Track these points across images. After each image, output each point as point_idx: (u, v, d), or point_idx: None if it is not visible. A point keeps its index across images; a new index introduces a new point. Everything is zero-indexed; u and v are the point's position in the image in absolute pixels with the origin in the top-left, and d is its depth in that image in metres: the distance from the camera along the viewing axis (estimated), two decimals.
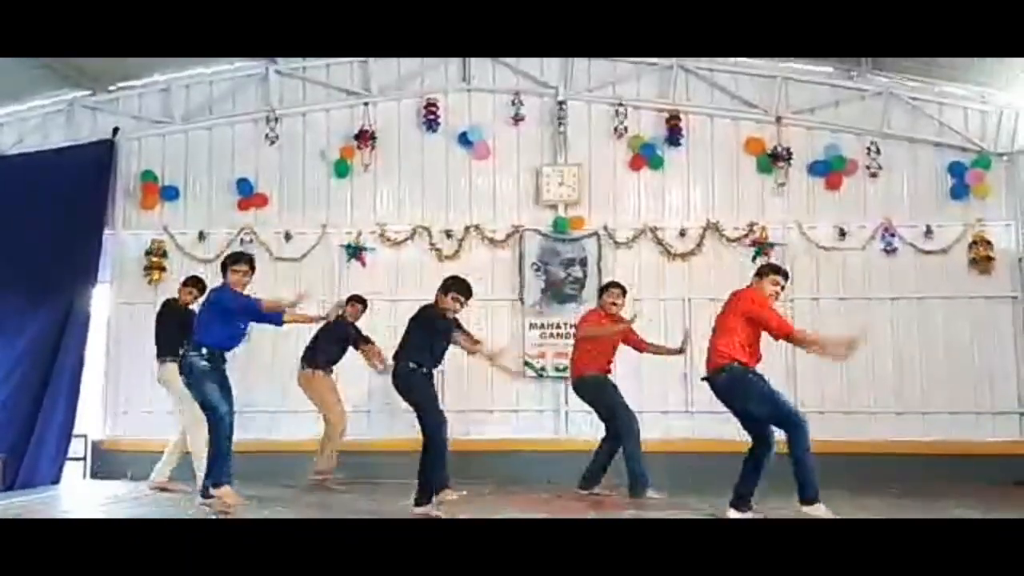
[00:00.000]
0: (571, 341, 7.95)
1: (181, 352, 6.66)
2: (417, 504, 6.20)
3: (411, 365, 6.34)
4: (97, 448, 9.16)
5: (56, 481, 8.55)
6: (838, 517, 5.88)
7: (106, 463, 9.01)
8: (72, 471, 8.94)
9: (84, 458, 9.17)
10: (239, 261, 6.68)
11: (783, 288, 6.28)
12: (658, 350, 7.68)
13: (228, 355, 6.68)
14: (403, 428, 8.62)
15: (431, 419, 6.25)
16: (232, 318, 6.60)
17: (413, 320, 6.52)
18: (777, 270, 6.37)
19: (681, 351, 7.51)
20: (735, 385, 6.06)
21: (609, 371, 7.54)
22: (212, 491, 6.45)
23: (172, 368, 7.36)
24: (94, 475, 9.05)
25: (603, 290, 7.77)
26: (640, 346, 7.69)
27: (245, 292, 6.62)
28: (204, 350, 6.48)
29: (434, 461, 6.23)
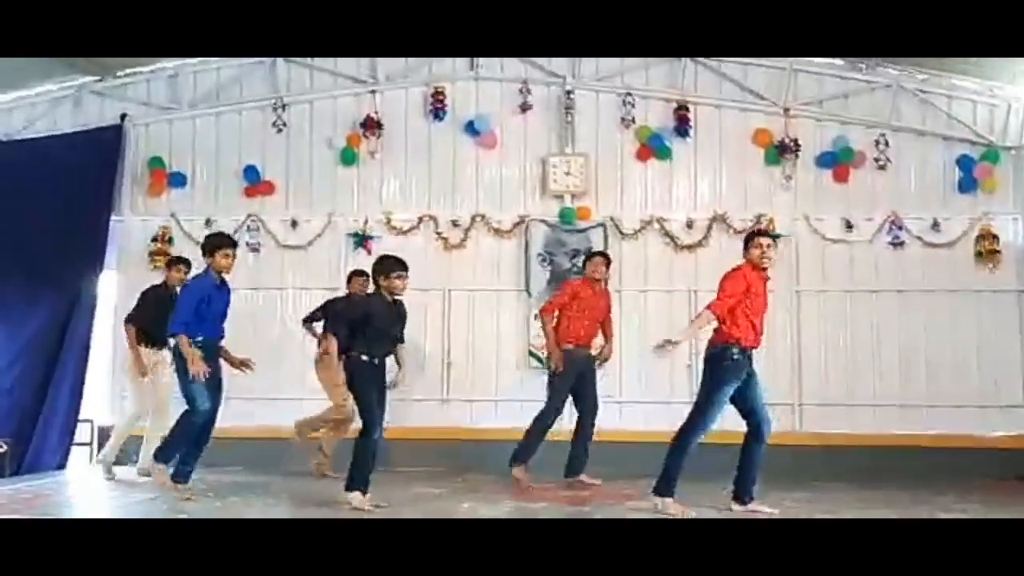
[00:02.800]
0: None
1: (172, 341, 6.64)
2: (348, 489, 6.20)
3: (363, 358, 6.28)
4: (104, 433, 9.16)
5: (62, 466, 8.59)
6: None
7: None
8: (79, 456, 8.97)
9: (90, 443, 9.20)
10: (226, 245, 6.66)
11: (768, 247, 6.07)
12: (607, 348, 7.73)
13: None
14: (417, 416, 8.76)
15: (368, 415, 6.20)
16: (216, 309, 6.63)
17: (359, 311, 6.46)
18: (759, 232, 6.40)
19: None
20: (708, 361, 6.10)
21: (584, 344, 7.51)
22: (156, 466, 6.66)
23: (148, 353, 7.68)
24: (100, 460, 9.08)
25: (587, 259, 7.82)
26: (608, 336, 7.75)
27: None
28: (200, 339, 6.50)
29: (365, 453, 6.19)
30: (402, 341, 6.58)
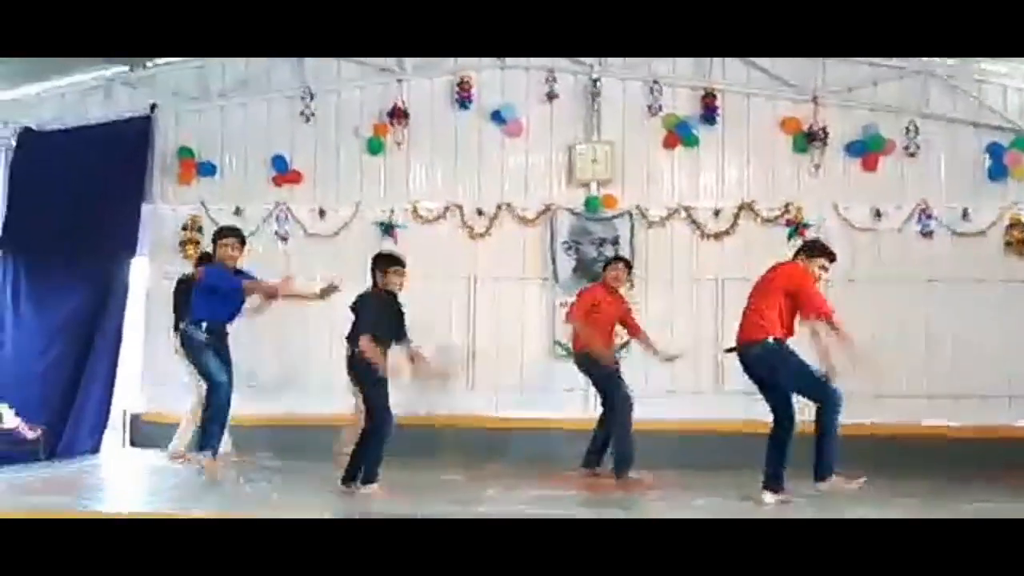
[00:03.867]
0: None
1: (181, 326, 6.97)
2: (343, 482, 6.34)
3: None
4: (135, 420, 9.34)
5: (96, 451, 8.75)
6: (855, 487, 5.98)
7: (144, 435, 9.21)
8: (110, 442, 9.11)
9: (123, 429, 9.35)
10: (225, 235, 6.98)
11: (827, 271, 6.30)
12: (647, 346, 7.70)
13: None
14: (442, 404, 8.82)
15: (381, 413, 6.25)
16: (223, 296, 6.83)
17: (359, 307, 6.51)
18: (827, 253, 6.36)
19: (669, 359, 7.68)
20: (769, 358, 6.09)
21: (610, 345, 7.64)
22: (200, 455, 6.83)
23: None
24: (133, 445, 9.23)
25: (607, 264, 7.83)
26: (635, 332, 7.77)
27: (238, 266, 6.98)
28: (203, 324, 6.77)
29: (372, 447, 6.27)
30: (405, 338, 6.61)
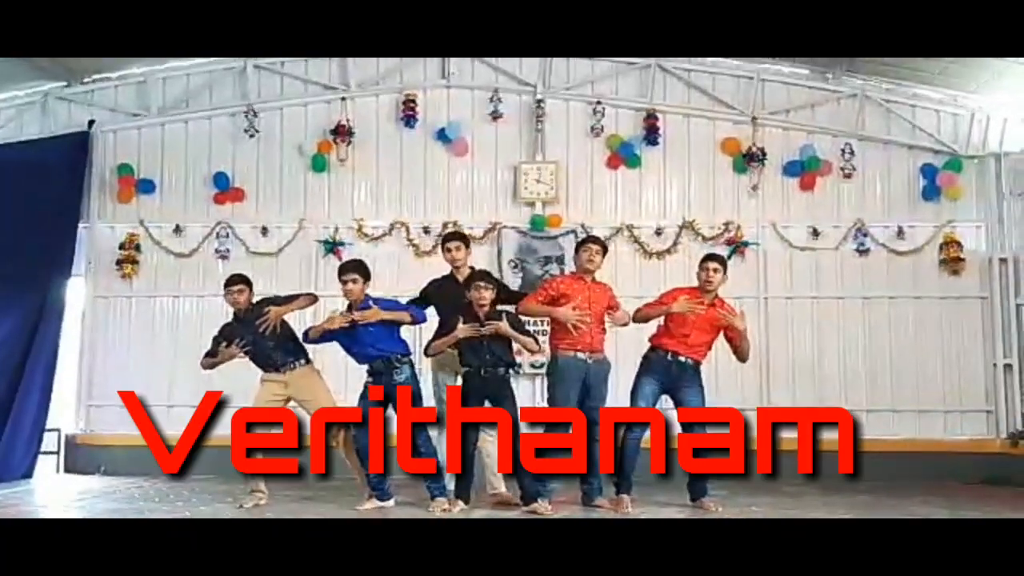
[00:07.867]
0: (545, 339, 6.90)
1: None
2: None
3: None
4: (70, 442, 9.11)
5: (29, 475, 8.50)
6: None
7: (79, 457, 8.99)
8: (45, 465, 8.87)
9: (57, 452, 9.10)
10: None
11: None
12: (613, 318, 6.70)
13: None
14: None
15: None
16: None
17: None
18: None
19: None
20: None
21: (586, 349, 6.35)
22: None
23: None
24: (67, 469, 8.99)
25: (579, 246, 6.69)
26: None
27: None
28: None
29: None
30: None
